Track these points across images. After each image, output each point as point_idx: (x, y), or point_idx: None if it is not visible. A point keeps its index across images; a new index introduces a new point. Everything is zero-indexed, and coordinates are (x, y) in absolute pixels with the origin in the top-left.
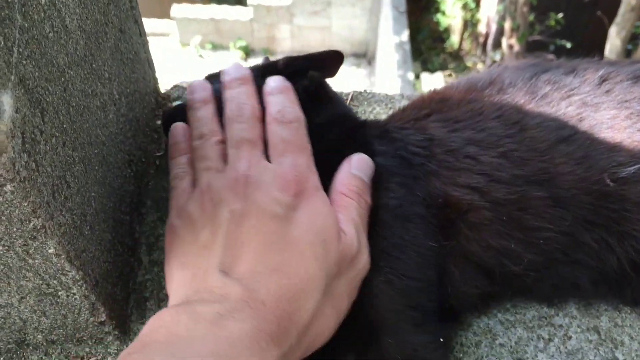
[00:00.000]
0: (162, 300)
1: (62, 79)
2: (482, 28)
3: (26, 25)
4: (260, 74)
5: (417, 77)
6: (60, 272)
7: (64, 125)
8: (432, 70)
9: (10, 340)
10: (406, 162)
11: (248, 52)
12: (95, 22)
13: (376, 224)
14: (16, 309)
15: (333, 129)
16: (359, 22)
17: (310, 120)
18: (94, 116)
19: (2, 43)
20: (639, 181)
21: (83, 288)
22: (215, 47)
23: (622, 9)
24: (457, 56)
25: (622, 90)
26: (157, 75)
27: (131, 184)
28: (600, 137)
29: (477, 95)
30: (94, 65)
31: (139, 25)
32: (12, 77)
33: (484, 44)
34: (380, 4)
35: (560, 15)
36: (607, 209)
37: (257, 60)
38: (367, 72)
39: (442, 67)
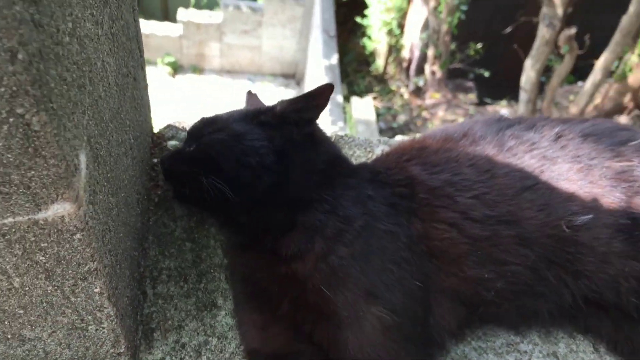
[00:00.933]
0: (167, 330)
1: (107, 132)
2: (405, 54)
3: (91, 89)
4: (255, 120)
5: (347, 99)
6: (98, 308)
7: (108, 175)
8: (357, 93)
9: None
10: (393, 209)
11: (176, 68)
12: (123, 75)
13: (361, 264)
14: (44, 342)
15: (333, 173)
16: (289, 43)
17: (312, 164)
18: (122, 162)
19: (79, 108)
20: (591, 229)
21: (113, 322)
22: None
23: (537, 43)
24: (382, 79)
25: (574, 146)
26: None
27: (138, 221)
28: (557, 187)
29: (452, 145)
30: (122, 116)
31: (144, 71)
32: (85, 138)
33: (408, 69)
34: (310, 26)
35: (479, 45)
36: (564, 251)
37: (185, 77)
38: (296, 93)
39: (368, 90)
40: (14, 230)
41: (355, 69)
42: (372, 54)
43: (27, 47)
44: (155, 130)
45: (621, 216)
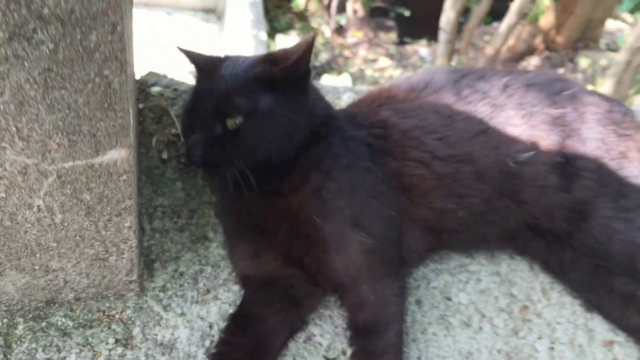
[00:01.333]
0: (166, 261)
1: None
2: None
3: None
4: (256, 82)
5: (271, 37)
6: (123, 241)
7: (133, 122)
8: (279, 30)
9: (42, 299)
10: (370, 148)
11: None
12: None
13: (347, 197)
14: (66, 272)
15: (326, 118)
16: None
17: (314, 111)
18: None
19: (132, 67)
20: (532, 165)
21: (133, 253)
22: None
23: None
24: (303, 17)
25: (519, 95)
26: None
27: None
28: (506, 130)
29: (417, 95)
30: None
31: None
32: (135, 90)
33: (329, 7)
34: None
35: None
36: (511, 183)
37: None
38: (217, 28)
39: (289, 27)
40: (70, 172)
41: (276, 4)
42: None
43: (123, 21)
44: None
45: (556, 155)
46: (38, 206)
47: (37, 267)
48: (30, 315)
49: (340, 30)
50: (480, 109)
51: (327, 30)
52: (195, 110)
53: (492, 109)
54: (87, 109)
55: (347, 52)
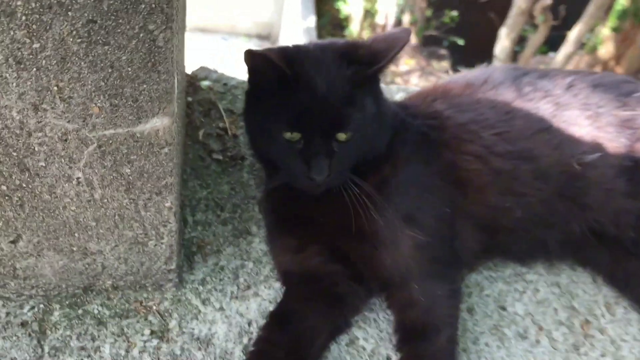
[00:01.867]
0: (207, 254)
1: (181, 57)
2: (380, 19)
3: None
4: (340, 57)
5: None
6: (163, 223)
7: (179, 101)
8: None
9: (81, 285)
10: (425, 137)
11: None
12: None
13: (404, 191)
14: (104, 256)
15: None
16: (265, 3)
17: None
18: (181, 88)
19: (181, 30)
20: (598, 167)
21: (173, 238)
22: None
23: (513, 12)
24: None
25: (585, 95)
26: None
27: (181, 152)
28: (569, 130)
29: (474, 90)
30: (180, 46)
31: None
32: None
33: None
34: None
35: (455, 13)
36: (574, 186)
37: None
38: None
39: None
40: (111, 141)
41: (330, 32)
42: (347, 19)
43: None
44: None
45: (624, 159)
46: (77, 179)
47: (75, 249)
48: (67, 302)
49: None
50: (542, 107)
51: None
52: (299, 127)
53: (554, 108)
54: (131, 68)
55: (398, 80)
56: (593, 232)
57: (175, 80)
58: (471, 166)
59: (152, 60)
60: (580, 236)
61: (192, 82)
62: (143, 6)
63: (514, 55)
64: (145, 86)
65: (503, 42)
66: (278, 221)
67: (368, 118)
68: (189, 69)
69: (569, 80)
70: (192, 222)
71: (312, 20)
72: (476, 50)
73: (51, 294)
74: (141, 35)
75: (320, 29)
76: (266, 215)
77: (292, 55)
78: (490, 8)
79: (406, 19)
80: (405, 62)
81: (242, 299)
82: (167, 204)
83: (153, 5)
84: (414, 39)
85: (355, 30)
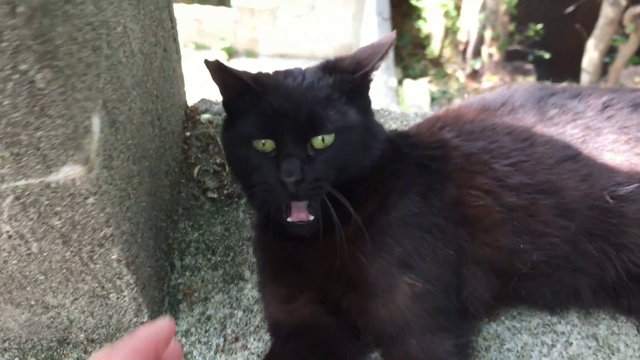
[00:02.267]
0: (193, 302)
1: (129, 99)
2: (462, 36)
3: (109, 53)
4: (322, 68)
5: (400, 83)
6: (117, 276)
7: (129, 142)
8: (412, 77)
9: (53, 338)
10: (424, 170)
11: (231, 53)
12: (150, 44)
13: (397, 231)
14: (67, 309)
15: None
16: (343, 26)
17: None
18: (147, 131)
19: (93, 71)
20: (636, 200)
21: (134, 291)
22: (198, 47)
23: (600, 22)
24: (437, 63)
25: (622, 117)
26: None
27: (167, 193)
28: (601, 158)
29: (490, 114)
30: (147, 85)
31: (177, 43)
32: (100, 101)
33: (464, 52)
34: (363, 8)
35: (540, 26)
36: (607, 222)
37: (239, 62)
38: None
39: (423, 74)
40: (27, 193)
41: (411, 52)
42: (428, 37)
43: (29, 1)
44: (190, 104)
45: None
46: (7, 232)
47: (33, 302)
48: (43, 356)
49: (474, 75)
50: (570, 132)
51: (461, 76)
52: (269, 131)
53: (584, 133)
54: (18, 114)
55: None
56: (631, 277)
57: (84, 126)
58: (479, 202)
59: (38, 104)
60: (616, 281)
61: (191, 116)
62: (5, 44)
63: (604, 67)
64: (41, 132)
65: (591, 54)
66: (268, 266)
67: (350, 127)
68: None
69: (605, 99)
70: (179, 267)
71: None
72: (563, 64)
73: (25, 347)
74: (15, 76)
75: (401, 49)
76: (258, 258)
77: (263, 75)
78: (576, 19)
79: (488, 34)
80: (488, 79)
81: (229, 353)
82: (114, 257)
83: (17, 43)
84: (497, 55)
85: (437, 48)
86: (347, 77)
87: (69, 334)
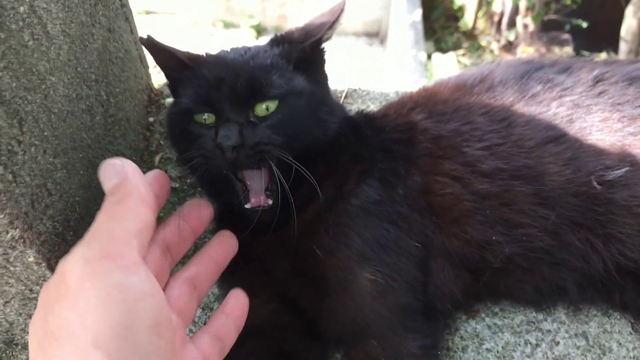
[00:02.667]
0: None
1: (43, 87)
2: (496, 7)
3: (2, 36)
4: (286, 61)
5: (429, 57)
6: (42, 278)
7: (45, 133)
8: (445, 50)
9: None
10: (388, 154)
11: (260, 30)
12: (81, 24)
13: (357, 221)
14: (2, 311)
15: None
16: (371, 1)
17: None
18: (79, 120)
19: None
20: (627, 185)
21: None
22: (227, 25)
23: None
24: (471, 35)
25: (615, 93)
26: None
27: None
28: (590, 139)
29: (466, 92)
30: (79, 69)
31: (130, 22)
32: None
33: (499, 23)
34: None
35: None
36: (594, 211)
37: (269, 39)
38: (380, 51)
39: (456, 47)
40: None
41: (443, 25)
42: (461, 9)
43: None
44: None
45: None
46: None
47: None
48: None
49: (509, 46)
50: (554, 110)
51: (496, 48)
52: (207, 101)
53: (571, 111)
54: None
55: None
56: (621, 271)
57: None
58: (446, 190)
59: None
60: (604, 275)
61: (155, 100)
62: None
63: None
64: None
65: (630, 22)
66: (231, 263)
67: (296, 93)
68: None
69: (596, 73)
70: None
71: (417, 14)
72: (601, 33)
73: None
74: None
75: (434, 22)
76: None
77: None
78: None
79: (523, 3)
80: (523, 50)
81: None
82: (31, 259)
83: None
84: (532, 25)
85: (470, 20)
86: (296, 47)
87: (14, 336)
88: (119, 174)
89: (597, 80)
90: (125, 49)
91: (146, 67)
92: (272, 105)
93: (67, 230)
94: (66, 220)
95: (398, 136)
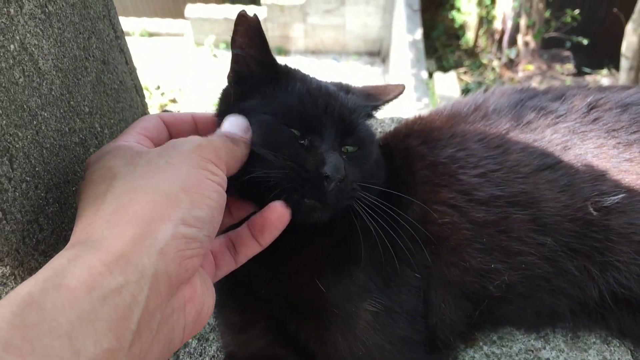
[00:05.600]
0: None
1: (34, 122)
2: (497, 25)
3: None
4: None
5: (431, 76)
6: None
7: (37, 169)
8: (447, 68)
9: None
10: (393, 185)
11: None
12: (74, 58)
13: (357, 253)
14: None
15: None
16: (373, 20)
17: None
18: (72, 153)
19: None
20: (624, 211)
21: None
22: (230, 46)
23: (639, 6)
24: (472, 53)
25: (610, 119)
26: (171, 75)
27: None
28: (585, 165)
29: (460, 120)
30: (72, 103)
31: (125, 53)
32: None
33: (500, 41)
34: (393, 1)
35: (577, 11)
36: (590, 238)
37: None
38: (381, 71)
39: (457, 65)
40: None
41: (444, 43)
42: (462, 27)
43: None
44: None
45: None
46: None
47: None
48: None
49: (510, 64)
50: (549, 137)
51: (497, 66)
52: (311, 120)
53: (566, 138)
54: None
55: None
56: (616, 300)
57: None
58: (444, 219)
59: None
60: (599, 303)
61: None
62: None
63: None
64: None
65: (630, 38)
66: (222, 290)
67: (372, 141)
68: None
69: (590, 100)
70: None
71: (418, 33)
72: (602, 49)
73: None
74: None
75: (435, 40)
76: (216, 285)
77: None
78: (614, 3)
79: (523, 21)
80: (525, 68)
81: None
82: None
83: None
84: (532, 43)
85: (471, 38)
86: (379, 102)
87: None
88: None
89: (591, 107)
90: (120, 80)
91: (142, 97)
92: (353, 148)
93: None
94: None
95: (399, 163)
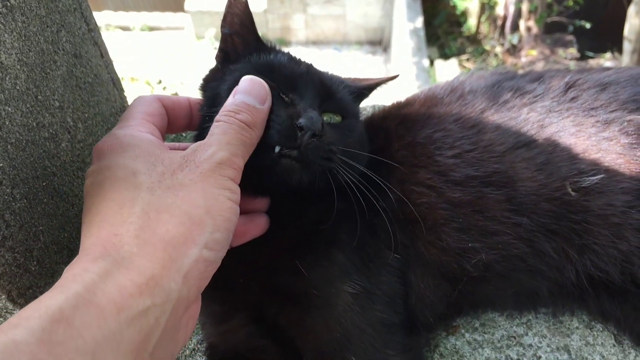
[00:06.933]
0: None
1: None
2: (499, 10)
3: None
4: (353, 90)
5: (432, 63)
6: (4, 310)
7: (0, 164)
8: (449, 55)
9: None
10: (373, 166)
11: None
12: (41, 52)
13: (341, 237)
14: None
15: None
16: (373, 9)
17: None
18: (41, 148)
19: None
20: (602, 192)
21: None
22: None
23: None
24: (474, 40)
25: (588, 98)
26: (173, 69)
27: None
28: (562, 144)
29: (437, 102)
30: (39, 97)
31: (100, 46)
32: None
33: (502, 27)
34: None
35: None
36: (568, 219)
37: None
38: (383, 60)
39: (460, 52)
40: None
41: (447, 30)
42: (464, 14)
43: None
44: None
45: None
46: None
47: None
48: None
49: (513, 50)
50: (525, 116)
51: (500, 52)
52: (293, 83)
53: (543, 117)
54: None
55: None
56: (593, 283)
57: None
58: (422, 199)
59: None
60: (576, 285)
61: None
62: None
63: None
64: None
65: (632, 21)
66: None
67: (356, 116)
68: None
69: (568, 79)
70: None
71: (419, 21)
72: (605, 33)
73: None
74: None
75: (437, 27)
76: None
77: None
78: None
79: (525, 6)
80: (527, 53)
81: None
82: None
83: None
84: (535, 28)
85: (473, 25)
86: (366, 83)
87: None
88: (265, 102)
89: (569, 87)
90: (95, 74)
91: (120, 90)
92: (337, 118)
93: (30, 261)
94: (28, 251)
95: (378, 144)
